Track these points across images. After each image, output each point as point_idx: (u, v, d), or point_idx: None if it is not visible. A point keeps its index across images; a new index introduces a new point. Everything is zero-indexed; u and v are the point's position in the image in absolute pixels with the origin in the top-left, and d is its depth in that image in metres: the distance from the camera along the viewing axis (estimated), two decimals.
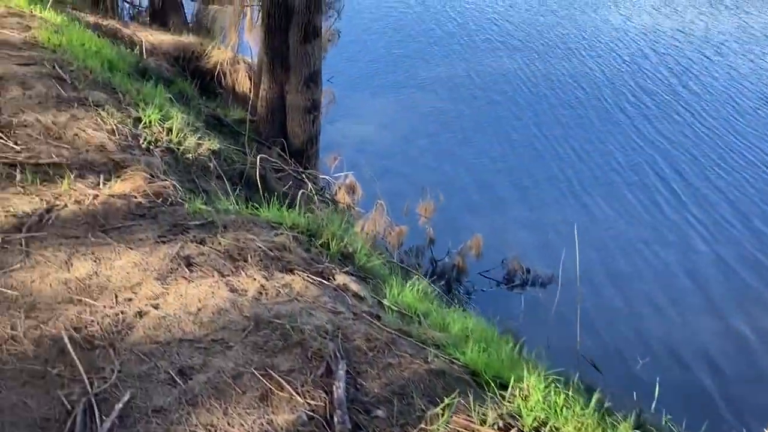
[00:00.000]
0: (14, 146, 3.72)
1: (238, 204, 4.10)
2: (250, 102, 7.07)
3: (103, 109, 4.42)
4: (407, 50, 15.81)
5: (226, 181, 4.93)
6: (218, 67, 8.42)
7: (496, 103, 13.52)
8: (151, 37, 8.99)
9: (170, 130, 4.63)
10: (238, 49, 8.75)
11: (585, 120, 12.95)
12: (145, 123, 4.53)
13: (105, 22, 8.54)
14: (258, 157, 5.18)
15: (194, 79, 8.34)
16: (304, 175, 5.85)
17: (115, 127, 4.28)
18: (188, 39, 9.05)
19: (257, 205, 4.06)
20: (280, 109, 6.63)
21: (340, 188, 5.78)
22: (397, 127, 11.70)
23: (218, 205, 3.81)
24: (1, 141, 3.73)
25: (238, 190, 4.96)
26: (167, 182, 3.83)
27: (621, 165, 11.39)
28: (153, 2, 10.42)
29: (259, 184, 5.15)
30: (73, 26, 6.27)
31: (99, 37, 6.83)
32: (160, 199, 3.58)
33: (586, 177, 10.82)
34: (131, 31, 8.83)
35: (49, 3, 6.37)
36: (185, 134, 4.67)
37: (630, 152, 11.82)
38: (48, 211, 3.15)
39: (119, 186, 3.54)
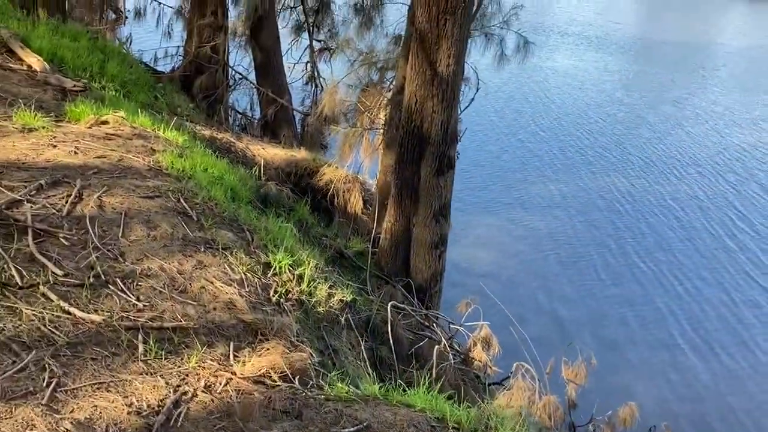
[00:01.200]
0: (137, 302, 3.29)
1: (375, 368, 3.49)
2: (372, 233, 6.64)
3: (231, 254, 4.01)
4: (512, 167, 15.35)
5: (356, 333, 4.38)
6: (331, 185, 8.13)
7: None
8: (264, 151, 8.92)
9: (301, 277, 4.15)
10: (351, 168, 8.50)
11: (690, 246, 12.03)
12: (275, 270, 4.07)
13: (219, 136, 8.52)
14: (388, 306, 4.60)
15: (304, 195, 8.13)
16: (433, 323, 5.22)
17: (244, 277, 3.84)
18: (301, 154, 8.93)
19: (403, 384, 3.43)
20: (405, 242, 6.14)
21: (475, 343, 5.11)
22: (512, 250, 11.07)
23: (361, 388, 3.21)
24: (124, 296, 3.31)
25: (365, 341, 4.39)
26: (304, 353, 3.29)
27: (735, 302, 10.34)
28: (265, 114, 10.50)
29: (389, 336, 4.55)
30: (194, 147, 6.10)
31: (216, 154, 6.70)
32: (299, 380, 3.03)
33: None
34: (244, 144, 8.78)
35: (172, 123, 6.25)
36: (316, 283, 4.18)
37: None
38: (176, 404, 2.62)
39: (254, 363, 3.01)
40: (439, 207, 6.01)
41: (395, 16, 12.02)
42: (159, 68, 10.87)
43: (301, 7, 13.38)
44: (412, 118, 5.77)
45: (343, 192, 8.00)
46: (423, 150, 5.87)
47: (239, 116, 11.18)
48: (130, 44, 10.66)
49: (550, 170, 15.06)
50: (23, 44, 7.39)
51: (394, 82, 7.79)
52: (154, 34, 12.07)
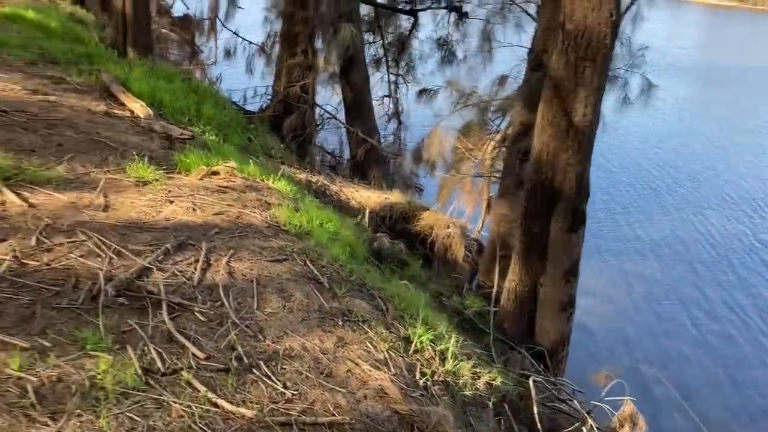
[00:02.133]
0: (285, 391, 3.00)
1: None
2: (493, 292, 6.24)
3: (370, 327, 3.70)
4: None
5: (503, 418, 3.99)
6: (430, 230, 7.80)
7: None
8: (357, 194, 8.70)
9: (443, 354, 3.80)
10: (451, 213, 8.17)
11: None
12: (416, 346, 3.73)
13: (314, 179, 8.36)
14: (530, 381, 4.18)
15: (398, 238, 7.83)
16: (567, 396, 4.76)
17: (387, 356, 3.52)
18: (394, 197, 8.66)
19: None
20: (530, 303, 5.73)
21: (621, 424, 4.61)
22: (623, 302, 10.47)
23: None
24: (270, 383, 3.02)
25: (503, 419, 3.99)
26: None
27: None
28: (355, 154, 10.31)
29: (532, 415, 4.13)
30: (304, 197, 5.90)
31: (318, 199, 6.50)
32: None
33: None
34: (338, 187, 8.59)
35: (280, 172, 6.07)
36: (459, 361, 3.82)
37: None
38: None
39: None
40: (570, 265, 5.59)
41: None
42: (247, 107, 10.87)
43: (381, 41, 13.29)
44: (543, 170, 5.41)
45: (443, 238, 7.65)
46: (553, 204, 5.49)
47: (328, 156, 11.06)
48: (220, 84, 10.73)
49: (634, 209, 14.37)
50: (124, 88, 7.42)
51: (509, 128, 7.45)
52: (240, 72, 12.15)
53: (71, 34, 10.67)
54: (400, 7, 12.49)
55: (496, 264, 6.22)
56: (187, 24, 23.85)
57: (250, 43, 11.67)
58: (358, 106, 10.63)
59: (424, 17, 12.61)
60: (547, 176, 5.39)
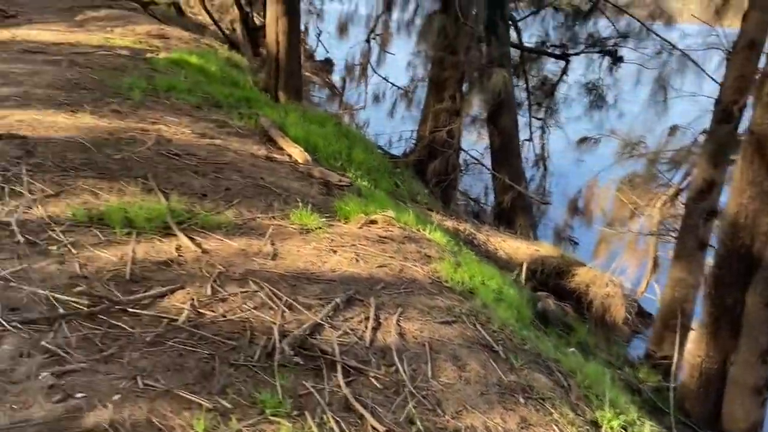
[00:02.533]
0: None
1: None
2: (672, 366, 5.67)
3: (554, 407, 3.35)
4: None
5: None
6: (586, 288, 7.29)
7: None
8: (505, 243, 8.37)
9: None
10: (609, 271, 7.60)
11: None
12: None
13: (461, 227, 8.13)
14: None
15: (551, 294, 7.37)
16: None
17: None
18: (545, 249, 8.25)
19: None
20: (718, 383, 5.11)
21: None
22: None
23: None
24: None
25: None
26: None
27: None
28: (501, 201, 10.01)
29: None
30: (461, 250, 5.66)
31: (471, 249, 6.24)
32: None
33: None
34: (485, 236, 8.30)
35: (435, 223, 5.88)
36: None
37: None
38: None
39: None
40: None
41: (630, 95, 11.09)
42: (392, 151, 10.91)
43: (525, 85, 12.99)
44: (739, 235, 4.85)
45: (602, 298, 7.11)
46: (751, 273, 4.89)
47: (472, 202, 10.84)
48: (367, 127, 10.88)
49: None
50: (282, 133, 7.61)
51: (683, 183, 6.89)
52: (384, 116, 12.29)
53: (229, 78, 11.24)
54: (549, 50, 12.17)
55: (675, 334, 5.61)
56: (327, 68, 24.89)
57: (398, 88, 11.80)
58: (505, 151, 10.37)
59: (574, 61, 12.22)
60: (744, 242, 4.81)
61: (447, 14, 9.68)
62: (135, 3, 18.04)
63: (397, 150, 11.20)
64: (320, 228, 5.02)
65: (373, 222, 5.42)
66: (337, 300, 3.81)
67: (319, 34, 21.53)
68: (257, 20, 21.31)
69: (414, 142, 10.94)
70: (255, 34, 20.74)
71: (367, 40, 11.25)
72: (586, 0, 12.57)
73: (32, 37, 12.22)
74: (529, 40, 12.31)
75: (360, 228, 5.26)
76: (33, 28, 13.81)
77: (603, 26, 12.53)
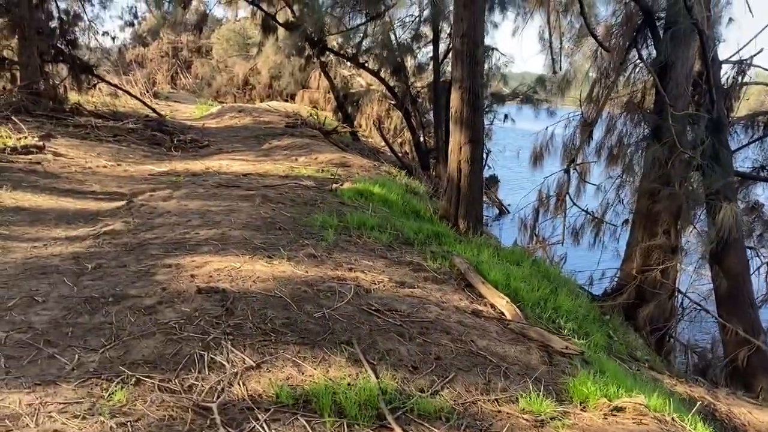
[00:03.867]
0: None
1: None
2: None
3: None
4: None
5: None
6: None
7: None
8: (751, 416, 6.81)
9: None
10: None
11: None
12: None
13: (694, 392, 6.75)
14: None
15: None
16: None
17: None
18: None
19: None
20: None
21: None
22: None
23: None
24: None
25: None
26: None
27: None
28: (734, 358, 8.45)
29: None
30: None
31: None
32: None
33: None
34: (725, 406, 6.83)
35: (696, 407, 4.71)
36: None
37: None
38: None
39: None
40: None
41: None
42: (591, 291, 9.82)
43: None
44: None
45: None
46: None
47: (695, 356, 9.34)
48: (564, 264, 9.94)
49: None
50: (482, 277, 6.91)
51: None
52: (578, 250, 11.28)
53: (410, 206, 10.98)
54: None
55: None
56: (494, 185, 24.49)
57: (599, 219, 10.81)
58: (734, 296, 8.90)
59: None
60: None
61: (660, 142, 8.77)
62: (317, 131, 18.93)
63: (597, 289, 10.07)
64: (556, 419, 4.09)
65: (619, 409, 4.39)
66: None
67: (488, 153, 21.35)
68: (429, 141, 21.66)
69: (618, 281, 9.78)
70: (426, 156, 21.00)
71: (566, 170, 10.53)
72: None
73: (224, 168, 12.90)
74: (742, 164, 10.93)
75: (605, 419, 4.25)
76: (223, 158, 14.74)
77: None
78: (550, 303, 7.09)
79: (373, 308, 5.36)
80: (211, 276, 5.64)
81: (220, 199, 8.90)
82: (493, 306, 6.33)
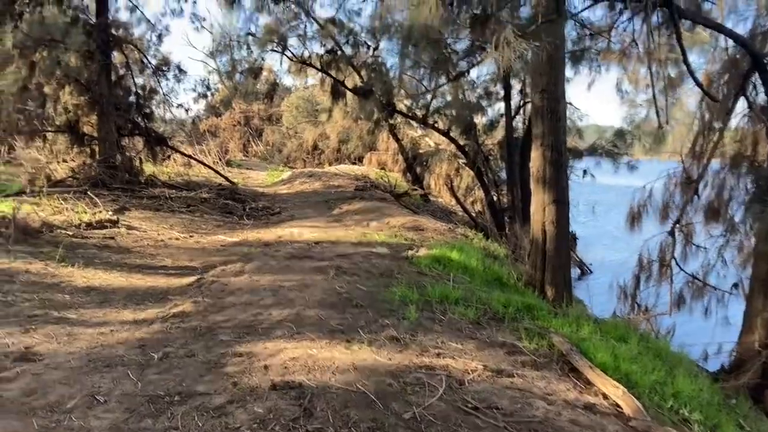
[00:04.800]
0: None
1: None
2: None
3: None
4: None
5: None
6: None
7: None
8: None
9: None
10: None
11: None
12: None
13: None
14: None
15: None
16: None
17: None
18: None
19: None
20: None
21: None
22: None
23: None
24: None
25: None
26: None
27: None
28: None
29: None
30: None
31: None
32: None
33: None
34: None
35: None
36: None
37: None
38: None
39: None
40: None
41: None
42: (706, 368, 8.74)
43: None
44: None
45: None
46: None
47: None
48: (672, 337, 8.90)
49: None
50: (588, 360, 6.06)
51: None
52: (685, 320, 10.16)
53: (491, 273, 10.25)
54: None
55: None
56: (572, 242, 23.29)
57: (709, 286, 9.73)
58: None
59: None
60: None
61: None
62: (387, 194, 18.53)
63: (713, 365, 8.95)
64: None
65: None
66: None
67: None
68: (503, 200, 20.89)
69: (738, 355, 8.66)
70: (501, 215, 20.20)
71: (671, 233, 9.59)
72: None
73: (296, 236, 12.51)
74: None
75: None
76: (294, 225, 14.39)
77: None
78: (669, 388, 6.15)
79: (470, 405, 4.64)
80: (286, 367, 5.07)
81: (292, 273, 8.42)
82: (605, 396, 5.47)
